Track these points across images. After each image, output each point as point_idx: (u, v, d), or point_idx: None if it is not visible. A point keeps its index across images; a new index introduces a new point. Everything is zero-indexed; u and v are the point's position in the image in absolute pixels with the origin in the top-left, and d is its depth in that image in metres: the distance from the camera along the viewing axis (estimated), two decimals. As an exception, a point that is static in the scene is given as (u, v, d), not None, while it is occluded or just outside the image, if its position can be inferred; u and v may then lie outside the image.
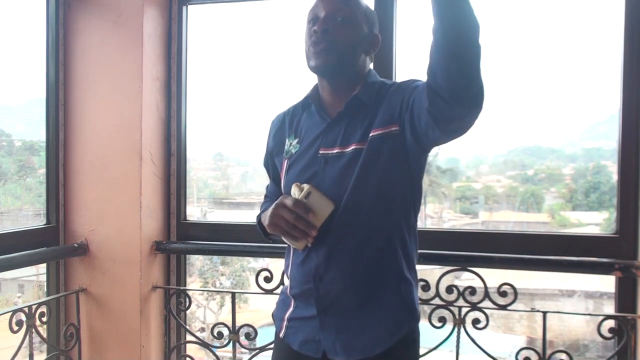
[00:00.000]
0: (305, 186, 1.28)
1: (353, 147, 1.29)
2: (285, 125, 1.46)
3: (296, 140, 1.39)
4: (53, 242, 2.15)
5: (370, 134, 1.27)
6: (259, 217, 1.50)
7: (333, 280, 1.30)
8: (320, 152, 1.33)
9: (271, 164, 1.54)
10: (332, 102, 1.36)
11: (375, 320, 1.30)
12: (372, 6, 2.02)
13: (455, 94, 1.06)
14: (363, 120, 1.30)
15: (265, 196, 1.62)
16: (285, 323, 1.41)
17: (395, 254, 1.31)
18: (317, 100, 1.39)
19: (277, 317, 1.47)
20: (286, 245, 1.43)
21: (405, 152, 1.27)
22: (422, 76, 1.17)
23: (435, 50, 1.08)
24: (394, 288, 1.31)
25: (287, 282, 1.47)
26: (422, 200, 1.44)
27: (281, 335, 1.43)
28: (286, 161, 1.40)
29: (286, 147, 1.41)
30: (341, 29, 1.29)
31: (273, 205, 1.29)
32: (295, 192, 1.30)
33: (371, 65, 1.41)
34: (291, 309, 1.41)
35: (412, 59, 2.18)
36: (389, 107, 1.28)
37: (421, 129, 1.20)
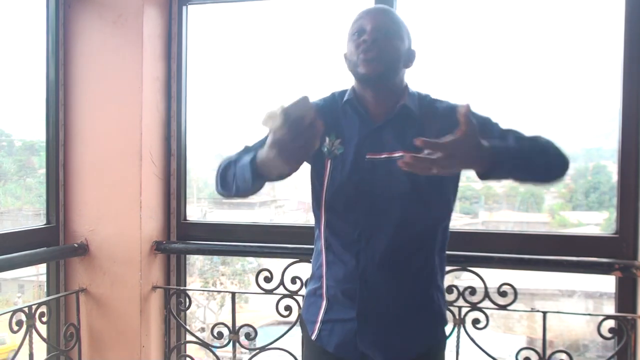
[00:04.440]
0: (275, 110, 1.09)
1: (402, 153, 1.27)
2: (325, 119, 1.32)
3: (339, 141, 1.37)
4: (53, 242, 2.16)
5: None
6: (252, 161, 1.23)
7: (379, 284, 1.32)
8: (368, 156, 1.33)
9: None
10: (374, 109, 1.37)
11: (411, 326, 1.34)
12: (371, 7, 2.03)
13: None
14: (410, 128, 1.33)
15: (250, 148, 1.40)
16: (318, 325, 1.40)
17: (434, 265, 1.37)
18: (360, 105, 1.38)
19: (307, 320, 1.44)
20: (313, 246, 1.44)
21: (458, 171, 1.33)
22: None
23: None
24: (431, 297, 1.36)
25: (313, 283, 1.44)
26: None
27: (313, 337, 1.41)
28: (329, 162, 1.37)
29: (327, 146, 1.37)
30: (388, 41, 1.33)
31: (267, 144, 1.12)
32: (267, 120, 1.11)
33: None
34: (323, 310, 1.39)
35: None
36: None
37: None
